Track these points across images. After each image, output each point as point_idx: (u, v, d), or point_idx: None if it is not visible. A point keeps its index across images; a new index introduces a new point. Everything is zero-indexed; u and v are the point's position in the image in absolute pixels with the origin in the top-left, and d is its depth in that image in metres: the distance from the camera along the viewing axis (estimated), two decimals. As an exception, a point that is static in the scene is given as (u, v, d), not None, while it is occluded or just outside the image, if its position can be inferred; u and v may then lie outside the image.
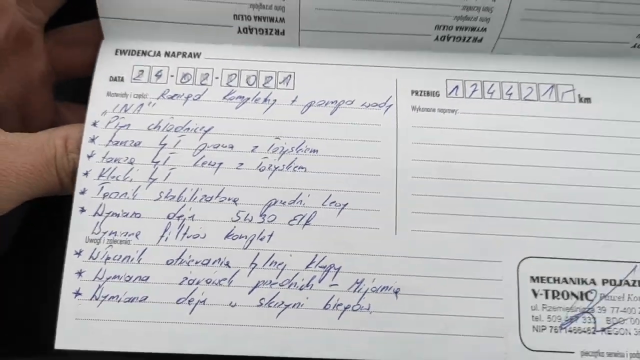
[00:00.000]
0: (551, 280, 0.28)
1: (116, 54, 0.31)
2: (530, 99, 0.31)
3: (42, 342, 0.27)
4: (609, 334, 0.28)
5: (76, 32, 0.32)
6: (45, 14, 0.30)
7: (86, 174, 0.29)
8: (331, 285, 0.28)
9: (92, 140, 0.29)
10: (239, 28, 0.31)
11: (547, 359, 0.28)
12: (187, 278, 0.28)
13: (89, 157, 0.29)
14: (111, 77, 0.31)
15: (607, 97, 0.31)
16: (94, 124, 0.30)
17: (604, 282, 0.28)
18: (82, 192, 0.29)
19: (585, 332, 0.28)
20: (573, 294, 0.28)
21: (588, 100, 0.31)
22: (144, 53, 0.31)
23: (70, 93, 0.34)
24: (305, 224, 0.29)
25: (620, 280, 0.28)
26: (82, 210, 0.29)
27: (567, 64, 0.31)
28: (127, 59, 0.31)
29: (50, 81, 0.31)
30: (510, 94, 0.31)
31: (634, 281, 0.28)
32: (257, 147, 0.30)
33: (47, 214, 0.29)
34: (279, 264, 0.28)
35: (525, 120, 0.30)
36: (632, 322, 0.28)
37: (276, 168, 0.29)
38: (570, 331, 0.28)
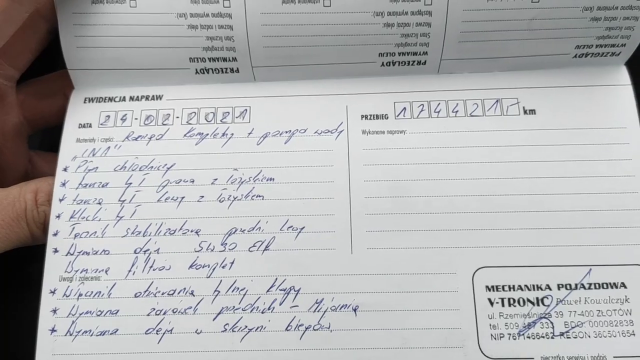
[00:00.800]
0: (506, 288, 0.29)
1: (85, 102, 0.33)
2: (476, 114, 0.32)
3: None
4: (568, 337, 0.28)
5: (47, 84, 0.34)
6: (18, 71, 0.32)
7: (58, 216, 0.31)
8: (292, 306, 0.29)
9: (63, 184, 0.31)
10: (196, 69, 0.33)
11: (506, 365, 0.28)
12: (154, 309, 0.29)
13: (60, 200, 0.31)
14: (80, 124, 0.33)
15: (552, 108, 0.32)
16: (65, 169, 0.32)
17: (559, 286, 0.29)
18: (55, 234, 0.30)
19: (543, 337, 0.28)
20: (529, 300, 0.29)
21: (533, 111, 0.32)
22: (110, 99, 0.33)
23: (47, 140, 0.36)
24: (265, 250, 0.30)
25: (576, 284, 0.29)
26: (55, 251, 0.30)
27: (511, 78, 0.32)
28: (94, 106, 0.33)
29: (24, 133, 0.33)
30: (457, 111, 0.32)
31: (590, 284, 0.29)
32: (216, 179, 0.31)
33: (22, 256, 0.31)
34: (241, 290, 0.30)
35: (472, 135, 0.31)
36: (590, 325, 0.28)
37: (235, 198, 0.31)
38: (529, 337, 0.28)
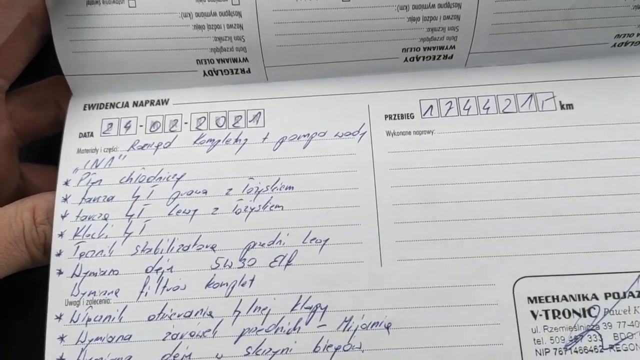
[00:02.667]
0: (550, 299, 0.27)
1: (85, 109, 0.31)
2: (509, 111, 0.29)
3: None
4: (618, 350, 0.26)
5: (38, 92, 0.31)
6: (7, 82, 0.29)
7: (61, 234, 0.28)
8: (319, 326, 0.27)
9: (65, 199, 0.29)
10: (204, 71, 0.30)
11: (554, 384, 0.26)
12: (170, 333, 0.27)
13: (62, 217, 0.29)
14: (80, 133, 0.30)
15: (590, 102, 0.29)
16: (66, 183, 0.29)
17: (606, 295, 0.27)
18: (58, 254, 0.28)
19: (592, 351, 0.26)
20: (575, 311, 0.27)
21: (570, 106, 0.29)
22: (112, 105, 0.31)
23: (33, 150, 0.34)
24: (287, 265, 0.28)
25: (624, 292, 0.27)
26: (60, 272, 0.28)
27: (545, 70, 0.30)
28: (95, 114, 0.31)
29: (15, 146, 0.31)
30: (488, 108, 0.30)
31: (639, 292, 0.27)
32: (231, 189, 0.29)
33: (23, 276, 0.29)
34: (263, 309, 0.27)
35: (505, 134, 0.29)
36: (641, 335, 0.26)
37: (252, 209, 0.29)
38: (576, 351, 0.26)
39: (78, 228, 0.28)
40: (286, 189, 0.29)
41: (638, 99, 0.29)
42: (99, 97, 0.31)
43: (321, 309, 0.27)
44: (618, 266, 0.27)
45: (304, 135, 0.30)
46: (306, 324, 0.27)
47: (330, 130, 0.30)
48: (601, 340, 0.26)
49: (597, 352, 0.26)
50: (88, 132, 0.30)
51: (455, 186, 0.28)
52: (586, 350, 0.26)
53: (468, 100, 0.30)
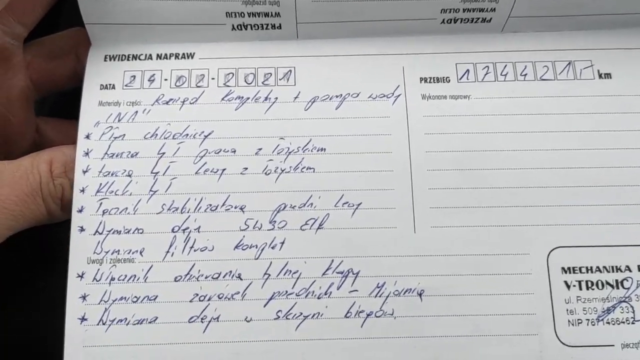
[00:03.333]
0: (584, 270, 0.27)
1: (105, 60, 0.29)
2: (546, 78, 0.29)
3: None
4: (649, 322, 0.26)
5: (56, 43, 0.30)
6: (26, 29, 0.28)
7: (82, 190, 0.27)
8: (351, 291, 0.26)
9: (86, 154, 0.28)
10: (233, 25, 0.29)
11: (586, 354, 0.26)
12: (197, 294, 0.26)
13: (84, 172, 0.27)
14: (102, 85, 0.29)
15: (629, 72, 0.29)
16: (87, 137, 0.28)
17: (639, 268, 0.27)
18: (80, 210, 0.27)
19: (624, 322, 0.26)
20: (608, 283, 0.27)
21: (608, 75, 0.29)
22: (135, 57, 0.29)
23: (47, 104, 0.32)
24: (318, 228, 0.27)
25: (658, 265, 0.27)
26: (81, 229, 0.27)
27: (584, 38, 0.29)
28: (117, 65, 0.29)
29: (31, 98, 0.29)
30: (525, 74, 0.29)
31: (672, 264, 0.27)
32: (260, 149, 0.28)
33: (45, 234, 0.28)
34: (294, 273, 0.27)
35: (542, 101, 0.28)
36: (673, 308, 0.26)
37: (283, 170, 0.28)
38: (608, 323, 0.26)
39: (101, 184, 0.27)
40: (318, 150, 0.28)
41: (678, 71, 0.29)
42: (120, 48, 0.30)
43: (353, 274, 0.27)
44: (653, 238, 0.27)
45: (337, 96, 0.29)
46: (337, 289, 0.26)
47: (363, 91, 0.29)
48: (633, 312, 0.26)
49: (629, 323, 0.26)
50: (109, 84, 0.29)
51: (491, 153, 0.28)
52: (618, 322, 0.26)
53: (505, 66, 0.29)
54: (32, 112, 0.30)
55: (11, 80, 0.28)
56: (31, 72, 0.29)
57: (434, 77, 0.29)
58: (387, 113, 0.28)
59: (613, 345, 0.26)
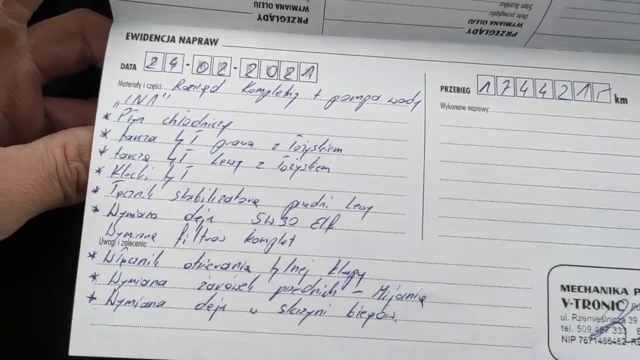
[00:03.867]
0: (582, 289, 0.28)
1: (127, 38, 0.29)
2: (564, 97, 0.29)
3: (57, 347, 0.26)
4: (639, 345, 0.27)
5: (61, 25, 0.29)
6: (29, 10, 0.27)
7: (98, 171, 0.27)
8: (355, 292, 0.27)
9: (104, 134, 0.28)
10: (259, 15, 0.29)
11: (576, 370, 0.27)
12: (205, 283, 0.27)
13: (101, 152, 0.28)
14: (122, 64, 0.29)
15: (645, 98, 0.29)
16: (106, 117, 0.28)
17: (636, 291, 0.28)
18: (95, 191, 0.27)
19: (615, 342, 0.27)
20: (604, 303, 0.28)
21: (624, 100, 0.29)
22: (157, 38, 0.29)
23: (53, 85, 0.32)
24: (329, 228, 0.28)
25: (653, 290, 0.28)
26: (95, 209, 0.27)
27: (603, 61, 0.30)
28: (139, 45, 0.29)
29: (39, 82, 0.29)
30: (544, 92, 0.29)
31: (667, 291, 0.28)
32: (278, 144, 0.28)
33: (59, 214, 0.28)
34: (301, 269, 0.27)
35: (559, 120, 0.29)
36: (663, 333, 0.27)
37: (298, 168, 0.28)
38: (600, 342, 0.27)
39: (117, 166, 0.27)
40: (334, 150, 0.28)
41: (694, 103, 0.29)
42: (143, 27, 0.29)
43: (358, 275, 0.27)
44: (651, 264, 0.28)
45: (357, 97, 0.29)
46: (342, 289, 0.27)
47: (384, 94, 0.29)
48: (625, 334, 0.27)
49: (620, 344, 0.27)
50: (131, 64, 0.29)
51: (505, 167, 0.28)
52: (610, 342, 0.27)
53: (525, 82, 0.29)
54: (41, 96, 0.29)
55: (16, 63, 0.27)
56: (37, 56, 0.28)
57: (454, 87, 0.29)
58: (406, 119, 0.29)
59: (602, 364, 0.27)
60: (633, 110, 0.29)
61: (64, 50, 0.29)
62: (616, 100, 0.29)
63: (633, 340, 0.27)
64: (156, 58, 0.29)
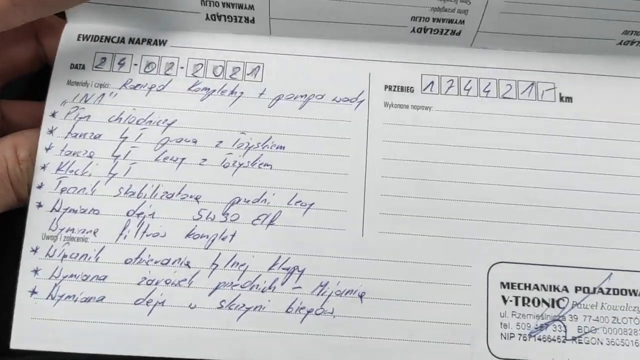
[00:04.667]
0: (522, 286, 0.28)
1: (79, 39, 0.30)
2: (508, 96, 0.29)
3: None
4: (580, 343, 0.27)
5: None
6: None
7: (44, 167, 0.28)
8: (294, 287, 0.27)
9: (50, 131, 0.28)
10: (207, 15, 0.29)
11: (515, 367, 0.27)
12: (145, 278, 0.27)
13: (46, 149, 0.28)
14: (72, 64, 0.29)
15: (590, 97, 0.29)
16: (53, 115, 0.28)
17: (577, 289, 0.28)
18: (40, 187, 0.28)
19: (555, 340, 0.27)
20: (544, 301, 0.27)
21: (569, 99, 0.29)
22: (108, 39, 0.30)
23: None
24: (270, 224, 0.28)
25: (594, 288, 0.28)
26: (39, 205, 0.28)
27: (548, 60, 0.30)
28: (89, 45, 0.30)
29: None
30: (488, 91, 0.29)
31: (609, 289, 0.28)
32: (221, 142, 0.28)
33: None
34: (241, 265, 0.27)
35: (502, 119, 0.29)
36: (604, 331, 0.27)
37: (241, 165, 0.28)
38: (540, 339, 0.27)
39: (62, 162, 0.28)
40: (277, 148, 0.28)
41: (636, 101, 0.29)
42: (94, 28, 0.30)
43: (298, 271, 0.27)
44: (593, 262, 0.28)
45: (301, 96, 0.29)
46: (282, 285, 0.27)
47: (328, 93, 0.29)
48: (565, 332, 0.27)
49: (559, 342, 0.27)
50: (80, 64, 0.29)
51: (446, 165, 0.28)
52: (549, 339, 0.27)
53: (469, 81, 0.30)
54: None
55: None
56: None
57: (398, 86, 0.29)
58: (349, 117, 0.29)
59: (541, 362, 0.27)
60: (578, 109, 0.29)
61: (17, 53, 0.30)
62: (561, 99, 0.29)
63: (573, 338, 0.27)
64: (105, 58, 0.30)
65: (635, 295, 0.27)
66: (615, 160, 0.29)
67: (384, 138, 0.29)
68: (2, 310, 0.27)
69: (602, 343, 0.27)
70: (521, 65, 0.30)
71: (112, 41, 0.30)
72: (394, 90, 0.29)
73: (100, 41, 0.30)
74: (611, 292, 0.28)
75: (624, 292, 0.28)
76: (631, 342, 0.27)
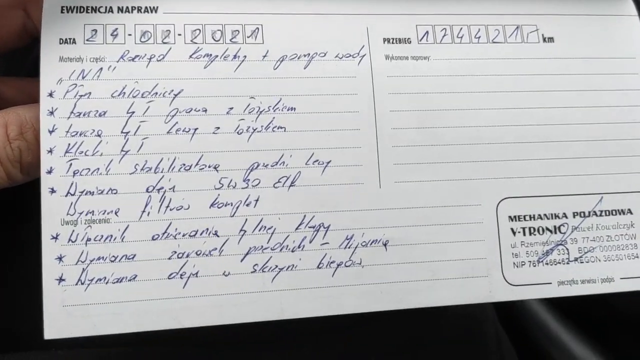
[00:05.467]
0: (527, 217, 0.30)
1: (62, 11, 0.28)
2: (497, 41, 0.31)
3: (32, 334, 0.26)
4: (581, 262, 0.30)
5: None
6: None
7: (50, 151, 0.27)
8: (322, 244, 0.28)
9: (51, 113, 0.27)
10: (198, -22, 0.29)
11: (528, 291, 0.29)
12: (175, 252, 0.27)
13: (50, 132, 0.27)
14: (61, 39, 0.28)
15: (569, 36, 0.31)
16: (50, 95, 0.27)
17: (574, 214, 0.30)
18: (49, 172, 0.27)
19: (560, 263, 0.30)
20: (547, 228, 0.30)
21: (551, 39, 0.31)
22: (94, 9, 0.28)
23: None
24: (291, 186, 0.28)
25: (589, 212, 0.30)
26: (52, 191, 0.26)
27: (531, 3, 0.32)
28: (76, 17, 0.28)
29: None
30: (479, 37, 0.31)
31: (601, 211, 0.30)
32: (232, 108, 0.28)
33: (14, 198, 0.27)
34: (269, 229, 0.28)
35: (494, 63, 0.31)
36: (601, 249, 0.30)
37: (254, 130, 0.28)
38: (547, 264, 0.30)
39: (69, 144, 0.27)
40: (288, 110, 0.29)
41: (614, 37, 0.32)
42: (77, -1, 0.28)
43: (324, 227, 0.28)
44: (585, 188, 0.30)
45: (305, 55, 0.29)
46: (310, 242, 0.28)
47: (330, 51, 0.29)
48: (568, 254, 0.30)
49: (564, 264, 0.30)
50: (70, 39, 0.28)
51: (448, 112, 0.30)
52: (555, 263, 0.30)
53: (461, 29, 0.31)
54: None
55: None
56: None
57: (396, 38, 0.30)
58: (354, 73, 0.29)
59: (550, 283, 0.30)
60: (559, 48, 0.31)
61: (4, 26, 0.28)
62: (544, 39, 0.31)
63: (575, 259, 0.30)
64: (96, 30, 0.28)
65: (624, 214, 0.31)
66: (594, 93, 0.31)
67: (389, 90, 0.30)
68: (31, 303, 0.26)
69: (600, 260, 0.30)
70: (506, 10, 0.31)
71: (100, 11, 0.28)
72: (393, 43, 0.30)
73: (87, 12, 0.28)
74: (603, 213, 0.30)
75: (614, 212, 0.31)
76: (624, 257, 0.30)
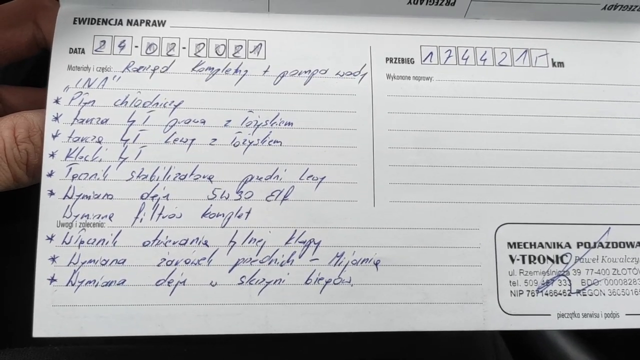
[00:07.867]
0: (527, 245, 0.29)
1: (75, 23, 0.29)
2: (504, 64, 0.30)
3: (20, 330, 0.26)
4: (584, 295, 0.29)
5: (10, 10, 0.29)
6: None
7: (52, 155, 0.28)
8: (312, 260, 0.28)
9: (56, 118, 0.28)
10: (205, -6, 0.29)
11: (525, 322, 0.28)
12: (165, 259, 0.27)
13: (53, 136, 0.28)
14: (71, 49, 0.29)
15: (580, 61, 0.31)
16: (57, 101, 0.28)
17: (578, 244, 0.29)
18: (50, 175, 0.27)
19: (561, 294, 0.29)
20: (549, 257, 0.29)
21: (561, 64, 0.31)
22: (105, 22, 0.29)
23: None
24: (283, 200, 0.28)
25: (595, 243, 0.29)
26: (51, 193, 0.27)
27: (540, 28, 0.31)
28: (87, 29, 0.29)
29: None
30: (485, 59, 0.30)
31: (608, 243, 0.29)
32: (230, 121, 0.29)
33: (14, 199, 0.28)
34: (258, 241, 0.28)
35: (499, 86, 0.30)
36: (606, 283, 0.29)
37: (251, 143, 0.29)
38: (547, 294, 0.29)
39: (70, 149, 0.28)
40: (285, 124, 0.29)
41: (626, 63, 0.31)
42: (90, 11, 0.29)
43: (314, 243, 0.28)
44: (592, 218, 0.29)
45: (305, 72, 0.29)
46: (299, 257, 0.28)
47: (331, 68, 0.30)
48: (570, 285, 0.29)
49: (565, 295, 0.29)
50: (79, 49, 0.29)
51: (451, 133, 0.29)
52: (556, 294, 0.29)
53: (466, 50, 0.30)
54: None
55: None
56: None
57: (399, 58, 0.30)
58: (353, 91, 0.29)
59: (550, 315, 0.28)
60: (569, 73, 0.30)
61: (15, 36, 0.30)
62: (553, 64, 0.31)
63: (578, 292, 0.29)
64: (104, 41, 0.29)
65: (633, 247, 0.29)
66: (606, 120, 0.30)
67: (388, 110, 0.29)
68: (22, 300, 0.27)
69: (604, 294, 0.29)
70: (514, 33, 0.31)
71: (110, 23, 0.30)
72: (395, 62, 0.30)
73: (98, 24, 0.29)
74: (610, 245, 0.29)
75: (622, 244, 0.29)
76: (631, 292, 0.29)
